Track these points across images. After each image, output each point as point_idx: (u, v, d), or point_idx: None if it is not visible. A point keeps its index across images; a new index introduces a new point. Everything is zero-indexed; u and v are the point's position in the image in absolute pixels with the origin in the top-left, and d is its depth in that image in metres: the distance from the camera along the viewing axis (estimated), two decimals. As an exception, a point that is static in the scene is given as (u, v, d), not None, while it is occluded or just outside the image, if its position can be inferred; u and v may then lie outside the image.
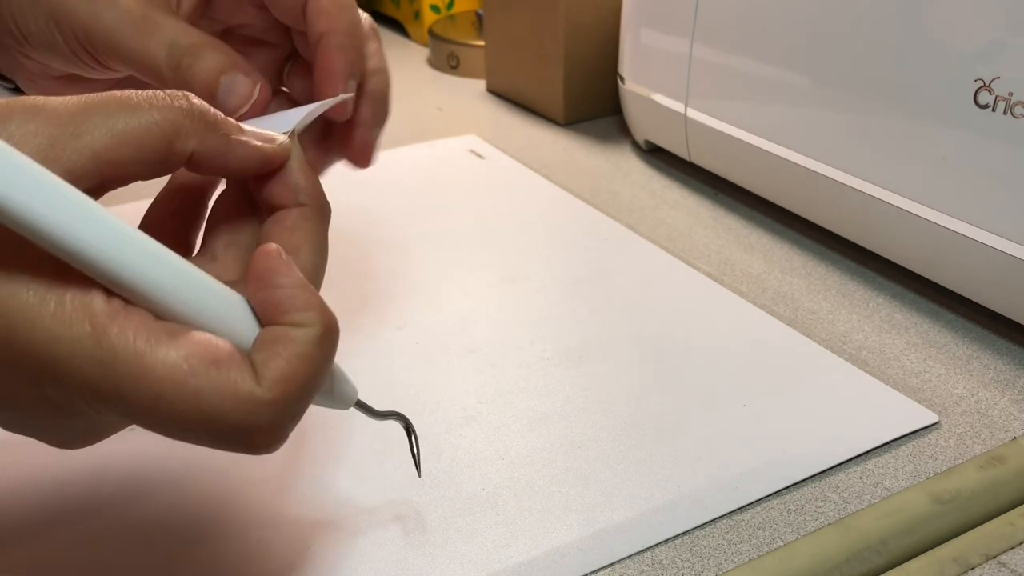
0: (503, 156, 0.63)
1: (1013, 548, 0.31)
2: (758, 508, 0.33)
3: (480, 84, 0.78)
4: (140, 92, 0.23)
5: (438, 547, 0.31)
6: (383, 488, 0.34)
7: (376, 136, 0.34)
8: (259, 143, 0.25)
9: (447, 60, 0.81)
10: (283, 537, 0.32)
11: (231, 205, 0.28)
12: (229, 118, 0.25)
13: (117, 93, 0.23)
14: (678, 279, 0.48)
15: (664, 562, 0.31)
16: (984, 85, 0.38)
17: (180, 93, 0.23)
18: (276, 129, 0.27)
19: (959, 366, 0.41)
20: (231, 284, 0.24)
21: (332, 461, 0.35)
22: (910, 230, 0.43)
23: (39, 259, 0.21)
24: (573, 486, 0.34)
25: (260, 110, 0.30)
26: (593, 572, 0.31)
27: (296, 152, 0.27)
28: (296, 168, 0.26)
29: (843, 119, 0.45)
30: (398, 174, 0.61)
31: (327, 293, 0.26)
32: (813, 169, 0.47)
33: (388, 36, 0.93)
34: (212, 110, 0.24)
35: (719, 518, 0.33)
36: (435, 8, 0.87)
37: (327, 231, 0.27)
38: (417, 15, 0.88)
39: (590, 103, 0.68)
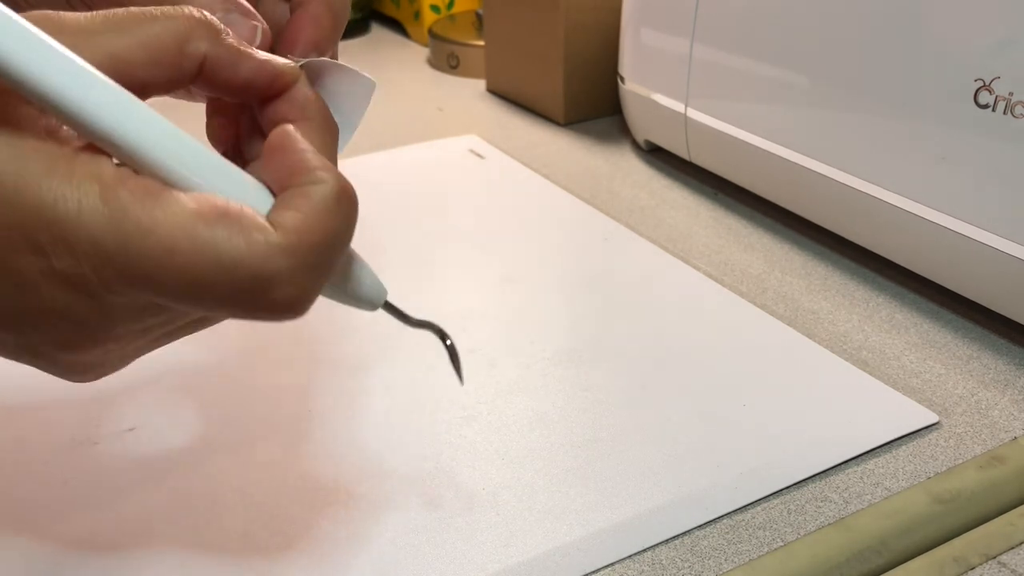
0: (503, 156, 0.63)
1: (1013, 548, 0.31)
2: (758, 508, 0.33)
3: (480, 84, 0.78)
4: (153, 7, 0.23)
5: (438, 546, 0.31)
6: (383, 487, 0.34)
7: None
8: (267, 57, 0.25)
9: (447, 60, 0.81)
10: (282, 538, 0.32)
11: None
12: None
13: (133, 8, 0.23)
14: (678, 279, 0.48)
15: (664, 562, 0.31)
16: (984, 85, 0.38)
17: (190, 7, 0.24)
18: None
19: (959, 366, 0.41)
20: None
21: (331, 460, 0.35)
22: (910, 230, 0.43)
23: (50, 128, 0.22)
24: (573, 486, 0.34)
25: None
26: (593, 572, 0.31)
27: (304, 78, 0.26)
28: (304, 87, 0.26)
29: (843, 119, 0.45)
30: (398, 174, 0.61)
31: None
32: (813, 169, 0.47)
33: (388, 36, 0.93)
34: (222, 25, 0.25)
35: (719, 518, 0.33)
36: (435, 8, 0.87)
37: (336, 147, 0.27)
38: (417, 15, 0.88)
39: (590, 103, 0.68)
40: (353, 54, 0.88)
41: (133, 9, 0.23)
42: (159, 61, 0.23)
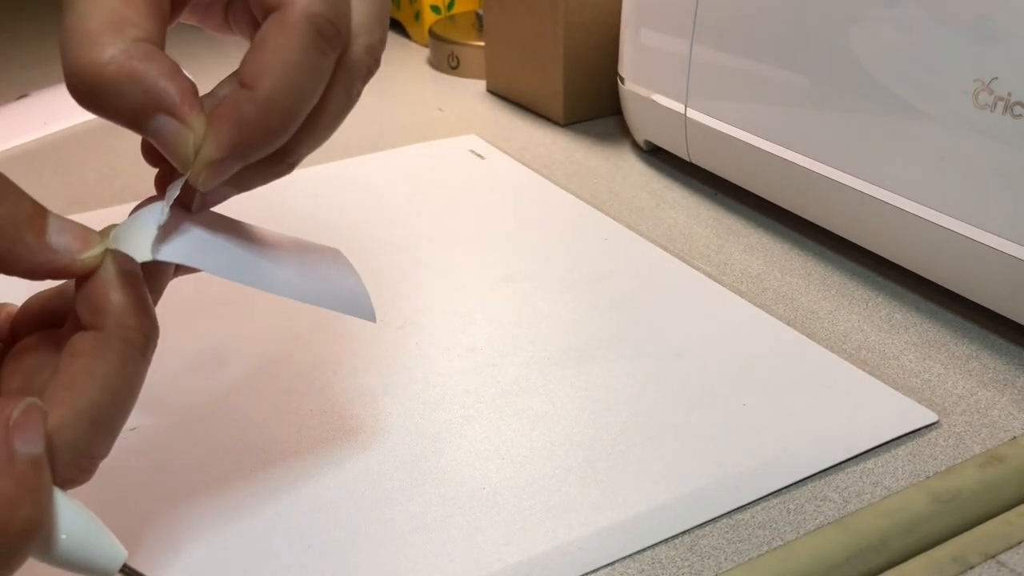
0: (503, 156, 0.63)
1: (1012, 547, 0.31)
2: (758, 507, 0.33)
3: (480, 84, 0.78)
4: None
5: (439, 546, 0.32)
6: (383, 486, 0.34)
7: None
8: (50, 256, 0.22)
9: (447, 60, 0.81)
10: (282, 536, 0.32)
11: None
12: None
13: None
14: (678, 279, 0.48)
15: (664, 561, 0.31)
16: (983, 86, 0.38)
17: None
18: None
19: (958, 366, 0.41)
20: None
21: (332, 460, 0.35)
22: (910, 230, 0.43)
23: None
24: (573, 485, 0.34)
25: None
26: (593, 571, 0.31)
27: (110, 268, 0.23)
28: (99, 287, 0.23)
29: (843, 119, 0.45)
30: (398, 174, 0.61)
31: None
32: (813, 169, 0.47)
33: (389, 37, 0.93)
34: None
35: (719, 517, 0.33)
36: (435, 8, 0.87)
37: (131, 363, 0.23)
38: (417, 15, 0.88)
39: (590, 103, 0.69)
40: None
41: None
42: None
